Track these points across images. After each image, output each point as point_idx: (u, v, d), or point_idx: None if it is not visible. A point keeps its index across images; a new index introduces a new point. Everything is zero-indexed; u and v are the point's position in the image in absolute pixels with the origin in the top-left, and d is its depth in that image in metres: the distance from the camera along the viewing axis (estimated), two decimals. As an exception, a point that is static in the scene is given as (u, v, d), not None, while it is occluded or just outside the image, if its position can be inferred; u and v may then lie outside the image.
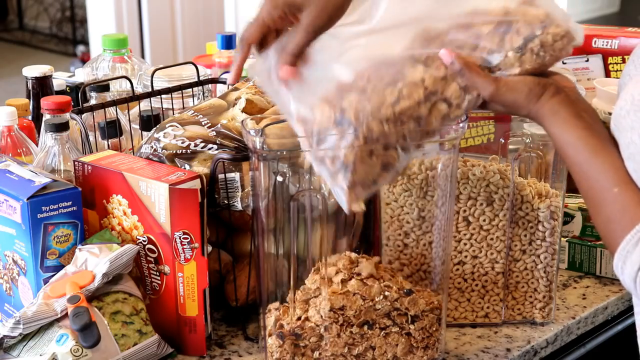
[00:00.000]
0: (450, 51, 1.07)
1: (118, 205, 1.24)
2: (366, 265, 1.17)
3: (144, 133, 1.54)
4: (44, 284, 1.21)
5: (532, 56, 1.08)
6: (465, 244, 1.29)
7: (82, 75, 1.80)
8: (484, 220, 1.27)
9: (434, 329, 1.20)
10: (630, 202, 0.98)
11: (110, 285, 1.20)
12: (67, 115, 1.35)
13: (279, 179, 1.16)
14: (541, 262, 1.30)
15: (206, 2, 4.61)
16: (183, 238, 1.19)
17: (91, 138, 1.46)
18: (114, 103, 1.49)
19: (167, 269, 1.22)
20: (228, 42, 1.95)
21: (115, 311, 1.18)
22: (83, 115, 1.44)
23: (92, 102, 1.57)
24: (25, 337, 1.16)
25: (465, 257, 1.29)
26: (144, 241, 1.22)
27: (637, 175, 0.98)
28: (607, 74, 1.79)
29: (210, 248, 1.27)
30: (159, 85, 1.59)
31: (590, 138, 1.03)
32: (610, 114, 1.59)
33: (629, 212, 0.98)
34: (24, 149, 1.44)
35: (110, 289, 1.20)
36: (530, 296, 1.32)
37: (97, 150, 1.45)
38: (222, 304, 1.33)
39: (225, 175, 1.25)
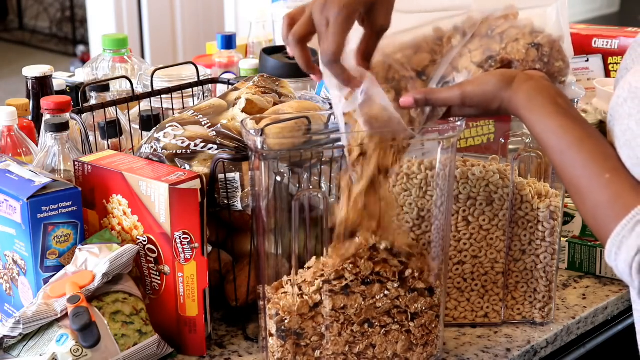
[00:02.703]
0: (407, 96, 1.09)
1: (118, 205, 1.24)
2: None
3: (144, 133, 1.54)
4: (44, 284, 1.21)
5: (538, 56, 1.09)
6: (465, 244, 1.29)
7: (82, 75, 1.80)
8: (484, 220, 1.28)
9: (434, 325, 1.20)
10: (623, 187, 0.97)
11: (110, 285, 1.20)
12: (67, 115, 1.35)
13: (279, 179, 1.16)
14: (541, 262, 1.30)
15: (206, 2, 4.61)
16: (183, 238, 1.19)
17: (91, 138, 1.46)
18: (114, 103, 1.49)
19: (167, 269, 1.22)
20: (228, 42, 1.95)
21: (115, 311, 1.18)
22: (83, 115, 1.44)
23: (92, 102, 1.57)
24: (25, 337, 1.16)
25: (465, 257, 1.29)
26: (144, 241, 1.23)
27: (631, 162, 0.98)
28: (607, 74, 1.79)
29: (210, 248, 1.27)
30: (159, 85, 1.59)
31: (572, 125, 1.02)
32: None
33: (622, 197, 0.96)
34: (24, 149, 1.44)
35: (110, 289, 1.20)
36: (530, 296, 1.32)
37: (97, 150, 1.45)
38: (222, 304, 1.33)
39: (225, 175, 1.25)
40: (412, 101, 1.08)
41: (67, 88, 1.73)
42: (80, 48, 6.11)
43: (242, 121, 1.19)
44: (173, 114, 1.57)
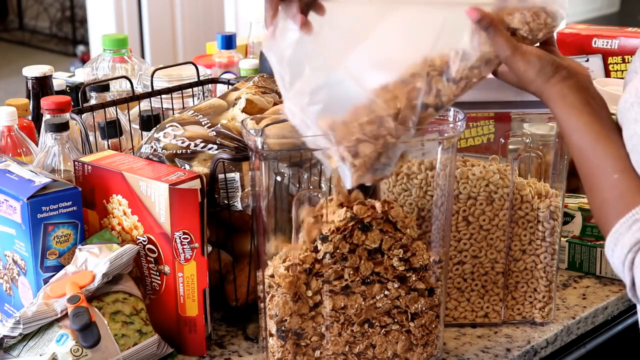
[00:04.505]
0: (476, 9, 1.08)
1: (118, 205, 1.24)
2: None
3: (144, 133, 1.54)
4: (44, 284, 1.21)
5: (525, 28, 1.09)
6: (465, 244, 1.29)
7: (82, 75, 1.80)
8: (484, 220, 1.28)
9: (434, 325, 1.20)
10: (629, 188, 1.00)
11: (110, 285, 1.20)
12: (67, 115, 1.35)
13: (279, 179, 1.16)
14: (541, 262, 1.30)
15: (206, 2, 4.61)
16: (183, 238, 1.19)
17: (91, 138, 1.46)
18: (114, 103, 1.50)
19: (167, 269, 1.22)
20: (228, 42, 1.95)
21: (115, 311, 1.18)
22: (83, 115, 1.44)
23: (92, 102, 1.57)
24: (25, 337, 1.16)
25: (465, 257, 1.29)
26: (144, 241, 1.23)
27: (638, 166, 1.00)
28: (607, 74, 1.79)
29: (210, 248, 1.27)
30: (159, 85, 1.59)
31: (594, 124, 1.05)
32: (611, 114, 1.60)
33: (626, 197, 1.00)
34: (24, 149, 1.44)
35: (110, 289, 1.20)
36: (530, 296, 1.32)
37: (97, 150, 1.45)
38: (222, 304, 1.33)
39: (225, 175, 1.25)
40: (476, 16, 1.07)
41: (67, 88, 1.74)
42: (80, 48, 6.11)
43: (242, 121, 1.19)
44: (173, 114, 1.57)
